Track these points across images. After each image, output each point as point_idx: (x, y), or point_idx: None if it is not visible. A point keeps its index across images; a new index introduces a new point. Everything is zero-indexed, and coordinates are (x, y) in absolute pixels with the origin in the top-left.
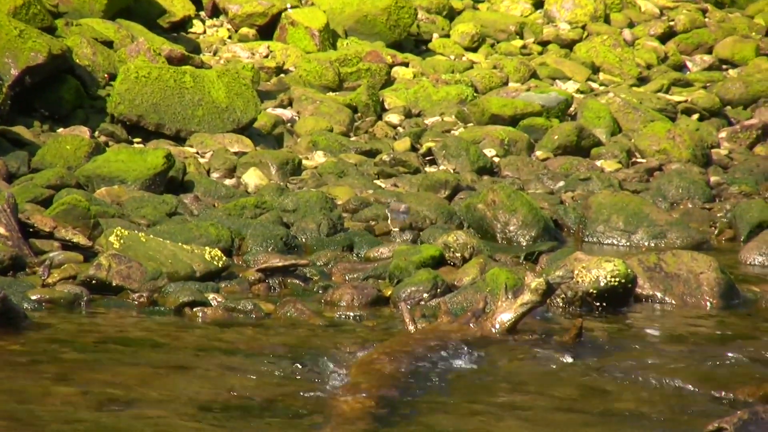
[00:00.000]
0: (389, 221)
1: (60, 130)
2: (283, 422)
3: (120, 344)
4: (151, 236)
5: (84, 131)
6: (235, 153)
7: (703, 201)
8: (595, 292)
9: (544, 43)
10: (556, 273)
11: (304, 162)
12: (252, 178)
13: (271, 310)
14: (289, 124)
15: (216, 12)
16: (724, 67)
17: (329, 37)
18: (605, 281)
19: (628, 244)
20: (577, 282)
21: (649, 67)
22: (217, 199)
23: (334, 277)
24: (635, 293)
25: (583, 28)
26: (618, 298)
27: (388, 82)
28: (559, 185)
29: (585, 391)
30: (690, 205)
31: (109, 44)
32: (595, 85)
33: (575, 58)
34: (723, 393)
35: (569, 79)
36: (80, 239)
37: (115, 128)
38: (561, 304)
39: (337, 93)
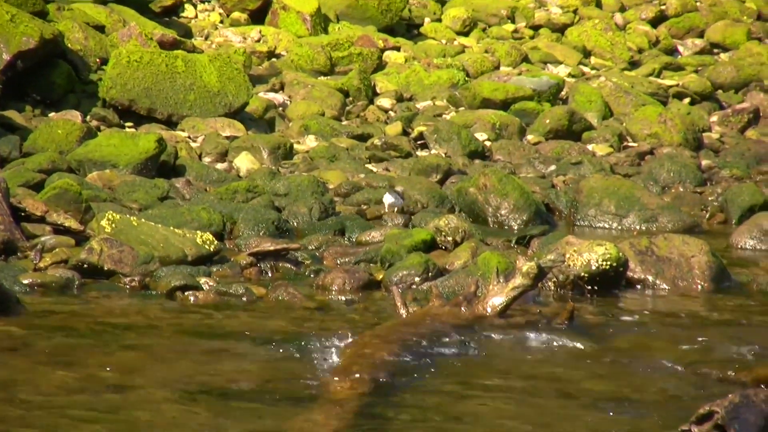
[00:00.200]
0: (387, 206)
1: (52, 114)
2: (275, 405)
3: (112, 328)
4: (143, 220)
5: (76, 116)
6: (227, 137)
7: (694, 185)
8: (586, 275)
9: (535, 28)
10: (548, 257)
11: (295, 146)
12: (244, 162)
13: (262, 294)
14: (280, 109)
15: None
16: (716, 51)
17: (321, 22)
18: (597, 265)
19: (619, 227)
20: (569, 266)
21: (640, 51)
22: (209, 183)
23: (325, 261)
24: (627, 277)
25: (575, 12)
26: (609, 281)
27: (380, 66)
28: (551, 169)
29: (577, 374)
30: (681, 189)
31: (100, 29)
32: (586, 69)
33: (567, 42)
34: (714, 376)
35: (561, 63)
36: (72, 223)
37: (107, 113)
38: (552, 288)
39: (329, 77)
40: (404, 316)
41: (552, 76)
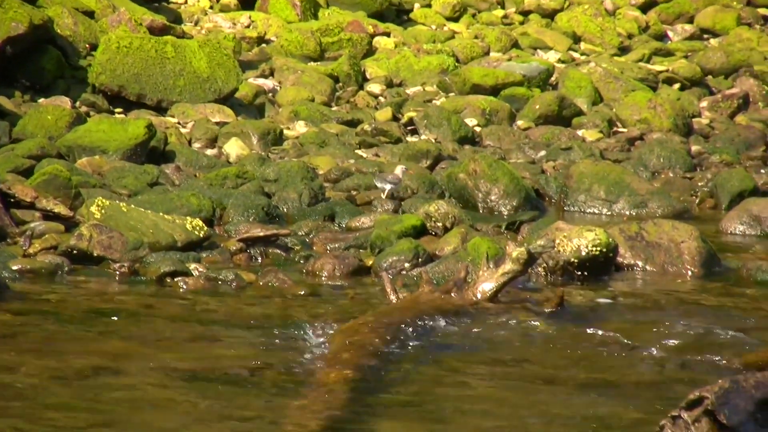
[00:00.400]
0: (384, 193)
1: (41, 100)
2: (264, 390)
3: (101, 314)
4: (133, 206)
5: (65, 101)
6: (217, 123)
7: (684, 170)
8: (576, 261)
9: (525, 13)
10: (538, 242)
11: (285, 132)
12: (233, 148)
13: (252, 279)
14: (270, 94)
15: None
16: (706, 36)
17: (311, 7)
18: (586, 250)
19: (609, 213)
20: (559, 251)
21: (630, 36)
22: (199, 169)
23: (315, 247)
24: (616, 262)
25: None
26: (599, 267)
27: (370, 52)
28: (541, 155)
29: (566, 359)
30: (671, 175)
31: (90, 14)
32: (576, 55)
33: (556, 27)
34: (704, 361)
35: (550, 48)
36: (61, 209)
37: (97, 98)
38: (542, 274)
39: (319, 63)
40: (394, 301)
41: (542, 62)
